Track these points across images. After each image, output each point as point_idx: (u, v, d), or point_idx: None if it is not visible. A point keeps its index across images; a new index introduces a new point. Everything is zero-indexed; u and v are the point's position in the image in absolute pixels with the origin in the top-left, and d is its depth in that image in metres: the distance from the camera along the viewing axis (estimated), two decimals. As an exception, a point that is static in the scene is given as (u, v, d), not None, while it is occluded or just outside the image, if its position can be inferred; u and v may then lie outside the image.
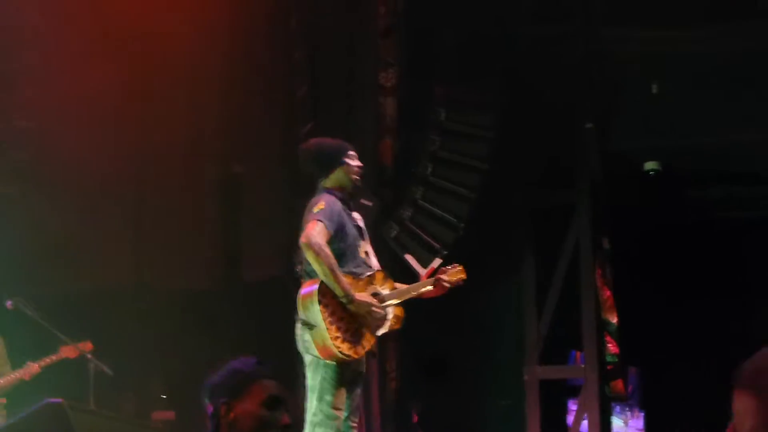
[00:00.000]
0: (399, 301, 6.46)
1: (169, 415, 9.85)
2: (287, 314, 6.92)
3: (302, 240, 6.09)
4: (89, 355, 8.51)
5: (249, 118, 9.63)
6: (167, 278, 9.64)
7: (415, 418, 10.02)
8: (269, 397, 3.49)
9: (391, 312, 6.42)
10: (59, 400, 3.73)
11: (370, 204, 8.64)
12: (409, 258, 9.10)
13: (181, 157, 9.67)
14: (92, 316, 9.13)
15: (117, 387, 9.09)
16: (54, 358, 8.59)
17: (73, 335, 8.61)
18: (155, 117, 9.63)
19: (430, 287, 6.63)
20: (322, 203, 6.23)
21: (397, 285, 6.51)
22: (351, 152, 6.49)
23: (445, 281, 6.63)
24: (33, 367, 8.55)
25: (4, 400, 8.60)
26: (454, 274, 6.73)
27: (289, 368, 6.93)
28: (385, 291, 6.39)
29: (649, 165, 10.48)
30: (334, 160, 6.44)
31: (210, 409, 3.50)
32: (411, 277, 8.57)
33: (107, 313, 9.35)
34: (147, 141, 9.68)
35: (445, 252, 9.08)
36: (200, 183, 9.67)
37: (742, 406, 3.65)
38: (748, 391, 3.55)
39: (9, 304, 8.59)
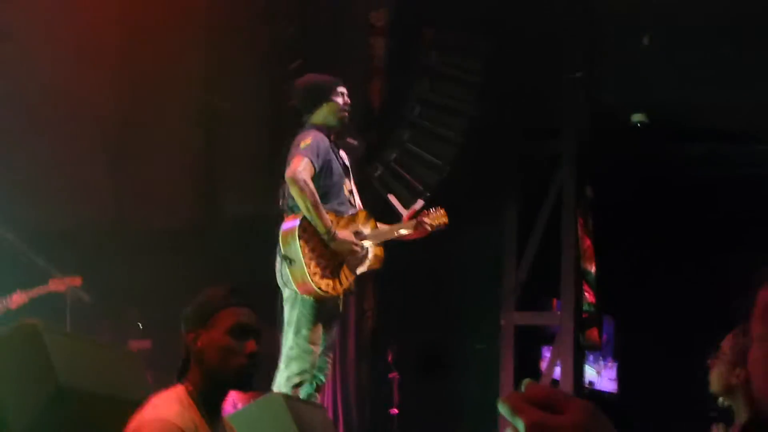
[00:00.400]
0: (380, 241, 6.48)
1: (146, 344, 9.89)
2: (269, 250, 6.95)
3: (287, 175, 6.09)
4: (80, 285, 8.50)
5: (235, 55, 9.57)
6: (148, 214, 9.62)
7: (390, 358, 10.08)
8: (235, 325, 3.51)
9: (372, 251, 6.45)
10: (34, 320, 3.73)
11: (355, 143, 8.64)
12: (392, 198, 9.11)
13: (165, 93, 9.60)
14: (72, 251, 9.09)
15: (94, 316, 9.12)
16: (43, 289, 8.52)
17: (56, 269, 8.58)
18: (137, 51, 9.54)
19: (411, 229, 6.65)
20: (309, 139, 6.22)
21: (379, 225, 6.53)
22: (340, 89, 6.48)
23: (426, 224, 6.66)
24: (21, 297, 8.47)
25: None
26: (436, 217, 6.76)
27: (269, 302, 6.94)
28: (366, 230, 6.41)
29: (636, 117, 10.48)
30: (322, 96, 6.43)
31: (183, 336, 3.54)
32: (393, 217, 8.61)
33: (87, 249, 9.33)
34: (129, 77, 9.60)
35: (428, 194, 9.08)
36: (183, 119, 9.62)
37: (734, 377, 3.71)
38: (741, 365, 3.65)
39: None
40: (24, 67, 9.08)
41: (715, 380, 3.85)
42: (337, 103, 6.43)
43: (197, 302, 3.56)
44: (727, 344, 3.80)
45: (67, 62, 9.07)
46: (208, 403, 3.46)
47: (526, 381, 1.37)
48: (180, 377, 3.49)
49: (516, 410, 1.32)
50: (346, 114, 6.50)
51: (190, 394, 3.42)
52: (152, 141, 9.51)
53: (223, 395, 3.60)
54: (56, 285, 8.52)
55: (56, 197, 9.29)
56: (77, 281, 8.55)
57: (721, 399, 4.21)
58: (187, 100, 9.63)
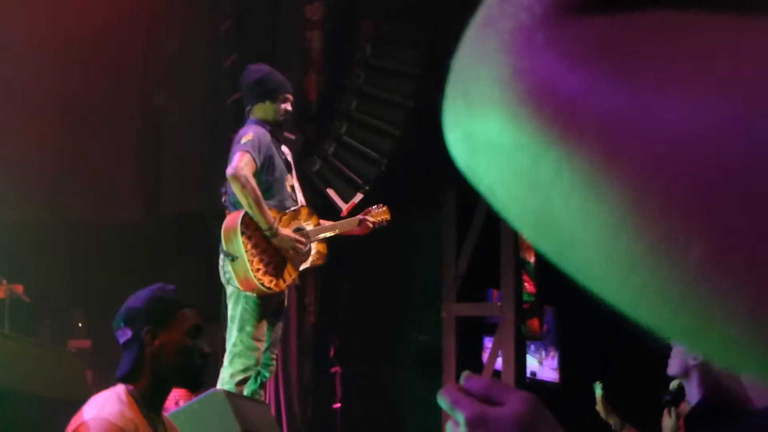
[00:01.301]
0: (322, 238, 6.48)
1: (85, 343, 9.82)
2: (209, 246, 6.92)
3: (229, 171, 6.05)
4: (21, 293, 8.38)
5: (171, 50, 9.51)
6: (88, 211, 9.53)
7: (332, 352, 10.08)
8: (192, 326, 3.52)
9: (314, 247, 6.44)
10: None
11: (293, 137, 8.61)
12: (331, 192, 9.10)
13: (103, 89, 9.53)
14: (10, 247, 8.97)
15: (34, 315, 9.03)
16: None
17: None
18: (77, 48, 9.45)
19: (354, 226, 6.69)
20: (251, 134, 6.19)
21: (322, 221, 6.52)
22: (288, 95, 6.46)
23: (369, 221, 6.72)
24: None
25: None
26: (379, 214, 6.81)
27: (210, 299, 6.91)
28: (309, 227, 6.39)
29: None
30: (268, 95, 6.40)
31: (128, 333, 3.49)
32: (332, 211, 8.61)
33: (26, 246, 9.22)
34: (69, 71, 9.52)
35: (367, 187, 9.09)
36: (122, 116, 9.55)
37: (692, 358, 3.76)
38: None
39: None
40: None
41: (674, 361, 3.88)
42: (279, 107, 6.40)
43: (151, 300, 3.52)
44: None
45: (8, 55, 8.98)
46: (151, 402, 3.44)
47: (464, 373, 1.36)
48: (127, 375, 3.45)
49: (455, 403, 1.31)
50: (286, 120, 6.50)
51: (130, 393, 3.40)
52: (93, 137, 9.43)
53: (167, 394, 3.59)
54: None
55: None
56: (19, 288, 8.43)
57: (673, 382, 4.25)
58: (127, 96, 9.56)
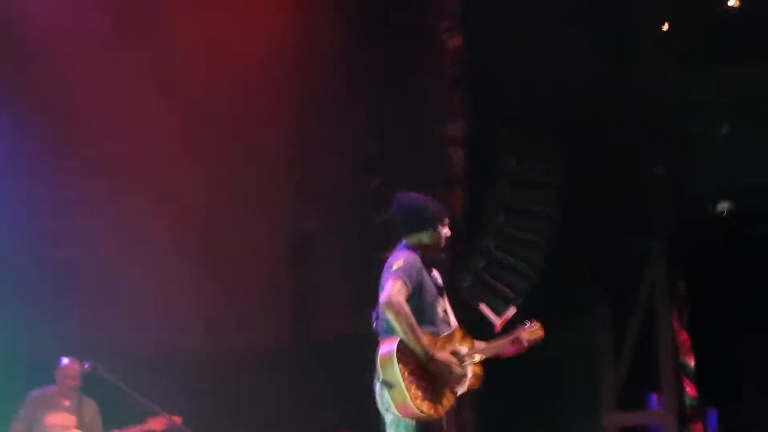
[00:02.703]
0: (478, 360, 6.41)
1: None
2: (361, 370, 6.91)
3: (382, 299, 6.04)
4: (180, 424, 8.45)
5: (318, 172, 9.66)
6: (240, 337, 9.64)
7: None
8: None
9: (471, 370, 6.37)
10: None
11: (442, 257, 8.60)
12: (484, 307, 9.05)
13: (252, 212, 9.69)
14: (167, 378, 9.10)
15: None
16: (139, 429, 8.49)
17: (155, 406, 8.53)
18: (226, 169, 9.66)
19: (508, 346, 6.60)
20: (401, 260, 6.17)
21: (476, 343, 6.46)
22: (446, 220, 6.45)
23: (524, 339, 6.61)
24: None
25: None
26: (533, 332, 6.70)
27: (366, 427, 6.89)
28: (464, 349, 6.33)
29: (722, 206, 10.36)
30: (428, 223, 6.37)
31: None
32: (485, 327, 8.55)
33: (181, 376, 9.34)
34: (215, 198, 9.71)
35: (519, 300, 9.02)
36: (272, 239, 9.68)
37: None
38: None
39: (87, 366, 8.44)
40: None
41: None
42: (441, 234, 6.39)
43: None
44: None
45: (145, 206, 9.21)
46: None
47: None
48: None
49: None
50: (445, 247, 6.48)
51: None
52: (241, 260, 9.58)
53: None
54: (155, 424, 8.46)
55: (150, 325, 9.37)
56: (178, 420, 8.48)
57: None
58: (276, 222, 9.70)
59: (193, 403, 9.10)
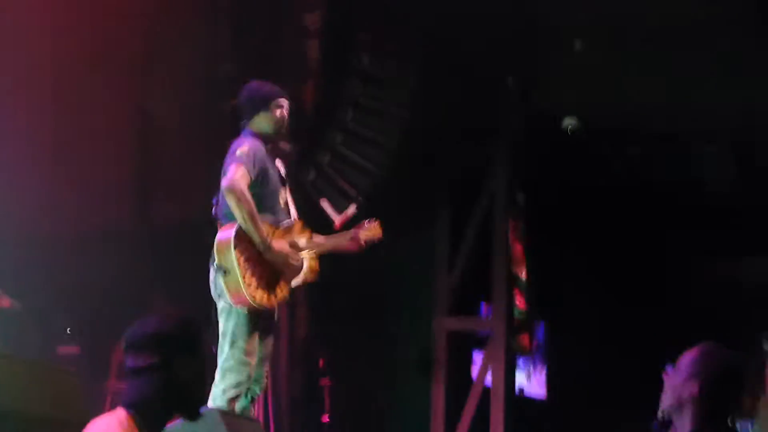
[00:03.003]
0: (315, 253, 6.42)
1: (74, 349, 9.73)
2: (199, 257, 6.85)
3: (224, 184, 5.99)
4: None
5: (168, 56, 9.42)
6: (78, 217, 9.43)
7: (322, 365, 10.02)
8: (209, 353, 3.47)
9: (307, 263, 6.38)
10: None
11: (288, 148, 8.55)
12: (325, 203, 9.05)
13: (98, 96, 9.42)
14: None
15: (21, 322, 8.93)
16: None
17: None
18: (71, 50, 9.33)
19: (346, 242, 6.64)
20: (246, 146, 6.13)
21: (315, 236, 6.46)
22: (281, 99, 6.40)
23: (361, 238, 6.67)
24: None
25: None
26: (371, 230, 6.77)
27: (200, 312, 6.82)
28: (302, 242, 6.33)
29: (568, 122, 10.49)
30: (261, 105, 6.35)
31: (154, 359, 3.36)
32: (325, 223, 8.55)
33: (13, 251, 9.11)
34: (63, 79, 9.38)
35: (361, 199, 9.04)
36: (116, 123, 9.44)
37: (687, 392, 3.76)
38: (694, 380, 3.69)
39: None
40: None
41: (668, 394, 3.84)
42: (274, 114, 6.35)
43: (183, 327, 3.41)
44: (685, 359, 3.80)
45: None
46: (153, 428, 3.37)
47: None
48: (139, 402, 3.35)
49: None
50: (282, 127, 6.43)
51: (133, 418, 3.32)
52: (84, 141, 9.33)
53: (171, 420, 3.52)
54: None
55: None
56: (5, 302, 8.34)
57: (661, 412, 4.20)
58: (120, 104, 9.46)
59: (22, 279, 8.91)
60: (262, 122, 6.35)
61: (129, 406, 3.35)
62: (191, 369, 3.38)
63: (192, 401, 3.45)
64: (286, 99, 6.45)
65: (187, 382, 3.37)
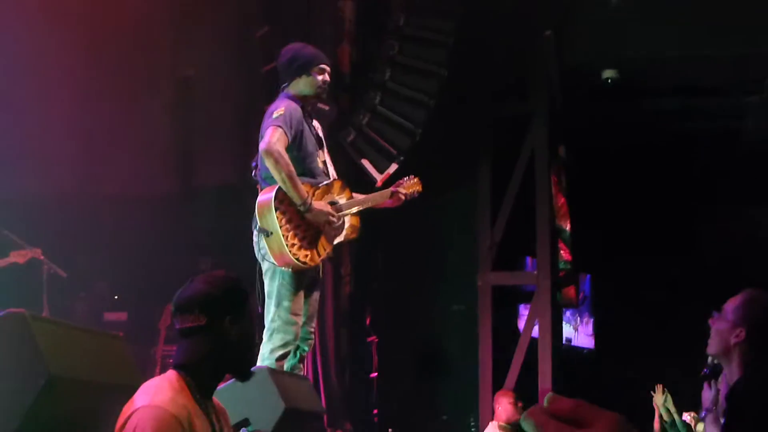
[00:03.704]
0: (356, 211, 6.45)
1: (122, 316, 9.86)
2: (241, 219, 6.91)
3: (262, 147, 6.02)
4: (42, 257, 8.40)
5: (203, 19, 9.45)
6: (118, 182, 9.52)
7: (369, 322, 10.10)
8: (255, 314, 3.53)
9: (348, 221, 6.41)
10: (21, 310, 3.68)
11: (326, 109, 8.58)
12: (366, 163, 9.08)
13: (133, 63, 9.47)
14: (40, 219, 8.95)
15: (69, 289, 9.05)
16: (2, 262, 8.40)
17: (23, 239, 8.44)
18: (103, 18, 9.37)
19: (386, 199, 6.66)
20: (282, 109, 6.14)
21: (354, 195, 6.49)
22: (323, 66, 6.39)
23: (401, 193, 6.69)
24: None
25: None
26: (410, 186, 6.77)
27: (242, 276, 6.87)
28: (342, 200, 6.37)
29: (608, 73, 10.45)
30: (304, 69, 6.34)
31: (202, 320, 3.42)
32: (367, 184, 8.59)
33: (56, 217, 9.21)
34: (96, 42, 9.45)
35: (402, 158, 9.06)
36: (153, 88, 9.49)
37: (733, 338, 3.78)
38: (740, 326, 3.71)
39: None
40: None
41: (715, 339, 3.86)
42: (316, 79, 6.36)
43: (229, 287, 3.46)
44: (730, 305, 3.82)
45: (29, 28, 8.92)
46: (205, 389, 3.42)
47: (549, 395, 1.34)
48: (188, 364, 3.41)
49: (541, 426, 1.29)
50: (324, 92, 6.44)
51: (183, 379, 3.38)
52: (122, 109, 9.40)
53: (221, 381, 3.58)
54: (17, 257, 8.38)
55: (24, 166, 9.16)
56: (38, 252, 8.42)
57: (711, 358, 4.22)
58: (156, 70, 9.51)
59: (71, 247, 9.02)
60: (302, 86, 6.35)
61: (179, 368, 3.41)
62: (238, 329, 3.42)
63: (241, 361, 3.50)
64: (328, 64, 6.45)
65: (234, 342, 3.42)
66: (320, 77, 6.37)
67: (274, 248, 6.05)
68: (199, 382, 3.40)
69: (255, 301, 6.49)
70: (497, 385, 9.69)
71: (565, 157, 10.44)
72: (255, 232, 6.22)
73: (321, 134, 6.51)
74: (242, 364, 3.54)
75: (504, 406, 8.79)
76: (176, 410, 3.22)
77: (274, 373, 5.49)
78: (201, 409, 3.36)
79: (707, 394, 5.83)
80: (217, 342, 3.41)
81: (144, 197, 9.69)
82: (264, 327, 6.25)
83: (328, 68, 6.42)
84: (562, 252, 10.42)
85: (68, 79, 9.28)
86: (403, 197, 6.71)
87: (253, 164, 6.49)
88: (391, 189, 6.71)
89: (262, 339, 6.20)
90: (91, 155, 9.55)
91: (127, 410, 3.25)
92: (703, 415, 6.23)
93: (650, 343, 11.90)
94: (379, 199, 6.65)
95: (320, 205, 6.17)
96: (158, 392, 3.28)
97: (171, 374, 3.40)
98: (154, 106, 9.55)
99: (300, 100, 6.32)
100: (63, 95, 9.27)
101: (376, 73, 9.22)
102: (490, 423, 8.98)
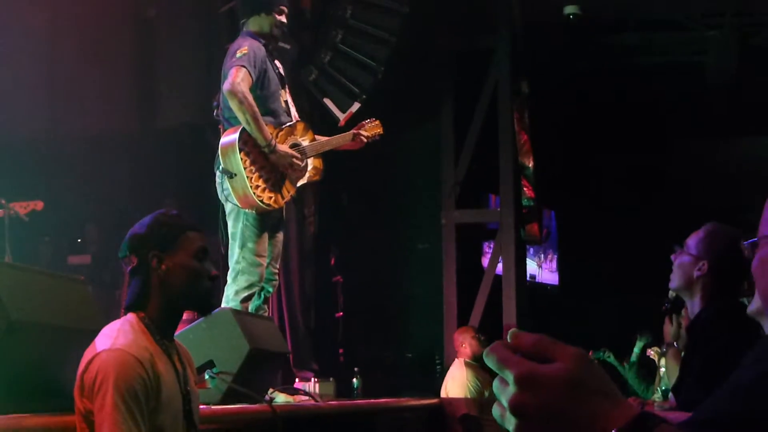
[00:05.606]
0: (319, 153, 6.44)
1: (86, 259, 9.81)
2: (203, 160, 6.87)
3: (225, 87, 5.97)
4: (2, 201, 8.34)
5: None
6: (82, 123, 9.41)
7: (333, 262, 10.10)
8: (199, 248, 3.49)
9: (311, 163, 6.40)
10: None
11: (288, 47, 8.51)
12: (328, 102, 9.02)
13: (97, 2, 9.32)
14: (4, 162, 8.86)
15: (33, 233, 8.99)
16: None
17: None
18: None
19: (348, 141, 6.66)
20: (245, 48, 6.09)
21: (317, 137, 6.47)
22: (283, 6, 6.36)
23: (363, 136, 6.71)
24: None
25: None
26: (372, 128, 6.79)
27: (206, 216, 6.86)
28: (305, 142, 6.34)
29: (569, 9, 10.40)
30: (265, 6, 6.30)
31: (134, 260, 3.44)
32: (329, 121, 8.55)
33: (21, 160, 9.12)
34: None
35: (364, 96, 9.00)
36: (115, 28, 9.36)
37: (696, 271, 3.79)
38: (702, 259, 3.72)
39: None
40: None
41: (677, 273, 3.87)
42: (275, 19, 6.31)
43: (154, 225, 3.47)
44: (693, 239, 3.83)
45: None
46: (163, 329, 3.41)
47: (512, 331, 1.33)
48: (136, 303, 3.41)
49: (503, 362, 1.28)
50: (282, 32, 6.40)
51: (142, 320, 3.37)
52: (83, 50, 9.26)
53: (179, 319, 3.57)
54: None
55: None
56: (39, 205, 8.43)
57: (671, 293, 4.25)
58: (118, 8, 9.37)
59: (33, 189, 8.93)
60: (265, 25, 6.31)
61: (127, 309, 3.42)
62: (169, 263, 3.42)
63: (183, 295, 3.47)
64: (286, 5, 6.41)
65: (163, 276, 3.41)
66: (279, 17, 6.33)
67: (237, 190, 6.03)
68: (156, 323, 3.39)
69: (219, 241, 6.49)
70: (462, 323, 9.74)
71: (528, 93, 10.41)
72: (218, 174, 6.18)
73: (283, 73, 6.47)
74: (187, 299, 3.50)
75: (468, 341, 8.83)
76: (138, 352, 3.21)
77: (238, 314, 5.51)
78: (162, 350, 3.35)
79: (668, 329, 5.89)
80: (149, 279, 3.42)
81: (106, 137, 9.59)
82: (228, 268, 6.26)
83: (286, 9, 6.37)
84: (525, 189, 10.44)
85: (32, 17, 9.15)
86: (364, 140, 6.74)
87: (215, 104, 6.45)
88: (353, 131, 6.73)
89: (226, 280, 6.20)
90: (54, 99, 9.42)
91: (88, 354, 3.24)
92: (665, 349, 6.31)
93: (614, 279, 11.99)
94: (341, 141, 6.66)
95: (284, 147, 6.15)
96: (119, 335, 3.26)
97: (131, 317, 3.39)
98: (114, 46, 9.41)
99: (262, 38, 6.27)
100: (27, 33, 9.12)
101: (337, 11, 9.14)
102: (456, 360, 9.03)
